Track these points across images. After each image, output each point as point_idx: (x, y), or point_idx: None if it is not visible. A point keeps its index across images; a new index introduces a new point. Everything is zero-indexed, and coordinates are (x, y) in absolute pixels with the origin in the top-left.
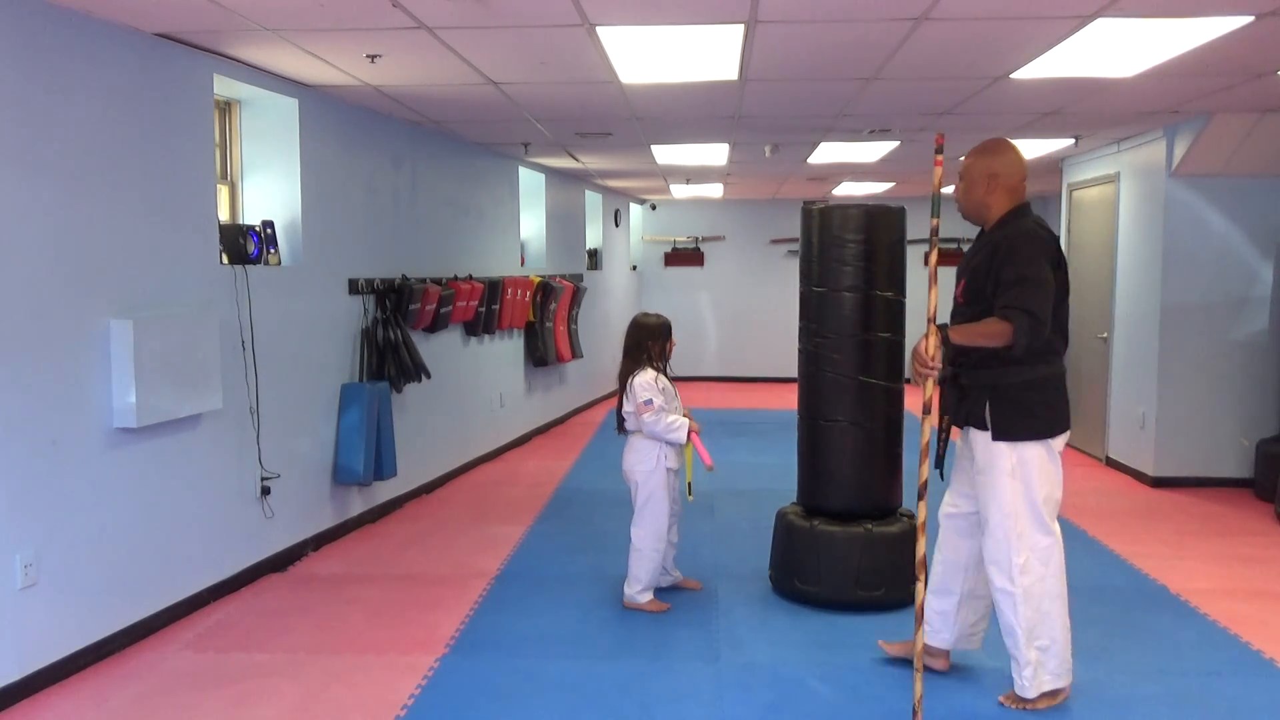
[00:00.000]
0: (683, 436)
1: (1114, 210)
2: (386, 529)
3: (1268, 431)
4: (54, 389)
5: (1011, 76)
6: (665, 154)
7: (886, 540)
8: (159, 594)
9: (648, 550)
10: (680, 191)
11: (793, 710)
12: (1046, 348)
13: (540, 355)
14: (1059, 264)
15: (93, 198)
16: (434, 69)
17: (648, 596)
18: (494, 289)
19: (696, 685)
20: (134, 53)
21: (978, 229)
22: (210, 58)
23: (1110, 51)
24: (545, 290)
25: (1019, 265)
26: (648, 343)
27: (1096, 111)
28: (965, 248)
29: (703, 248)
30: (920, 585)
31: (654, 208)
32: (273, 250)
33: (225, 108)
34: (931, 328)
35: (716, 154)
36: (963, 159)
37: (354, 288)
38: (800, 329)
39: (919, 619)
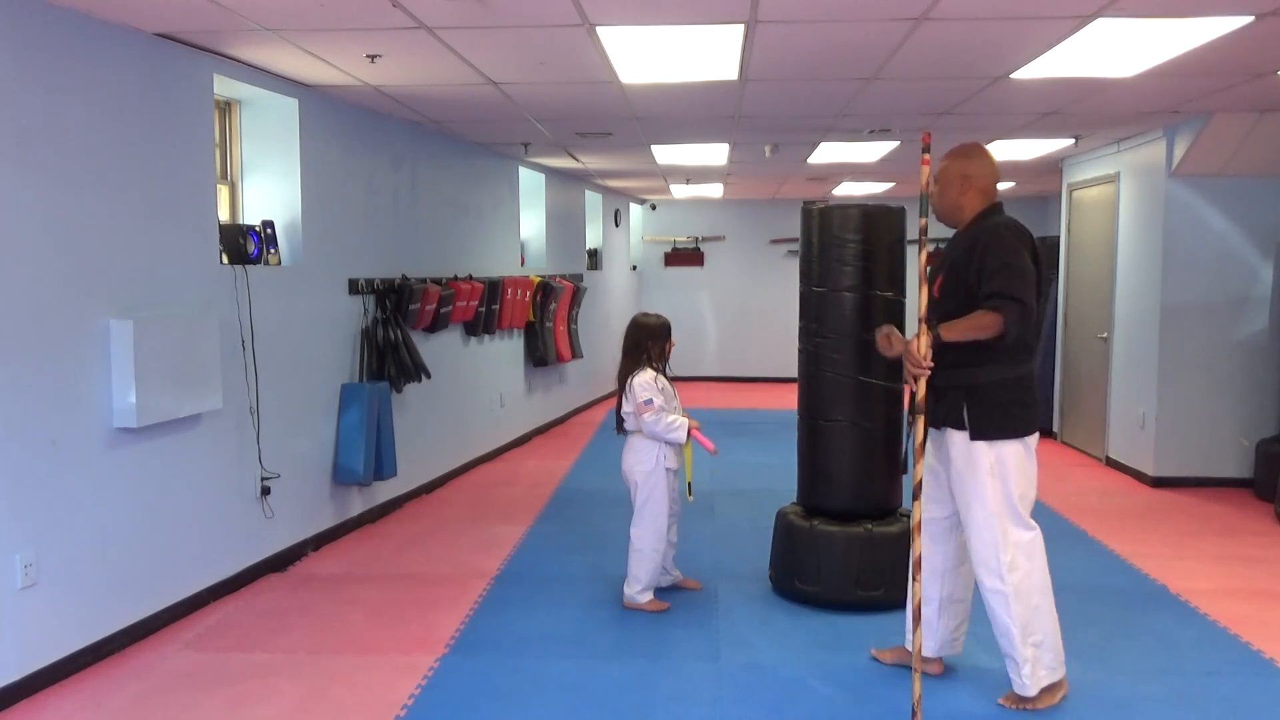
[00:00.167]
0: (682, 436)
1: (1114, 210)
2: (386, 529)
3: (1268, 431)
4: (54, 389)
5: (1011, 76)
6: (665, 154)
7: (886, 540)
8: (159, 594)
9: (647, 550)
10: (680, 191)
11: (793, 710)
12: (1022, 345)
13: (540, 355)
14: (1036, 259)
15: (93, 198)
16: (434, 69)
17: (648, 596)
18: (494, 289)
19: (696, 685)
20: (134, 53)
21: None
22: (210, 58)
23: (1110, 51)
24: (545, 290)
25: (1001, 254)
26: (647, 343)
27: (1096, 111)
28: None
29: (703, 248)
30: (916, 585)
31: (654, 208)
32: (273, 250)
33: (225, 108)
34: (923, 327)
35: (716, 154)
36: (938, 163)
37: (354, 288)
38: (800, 329)
39: (916, 618)
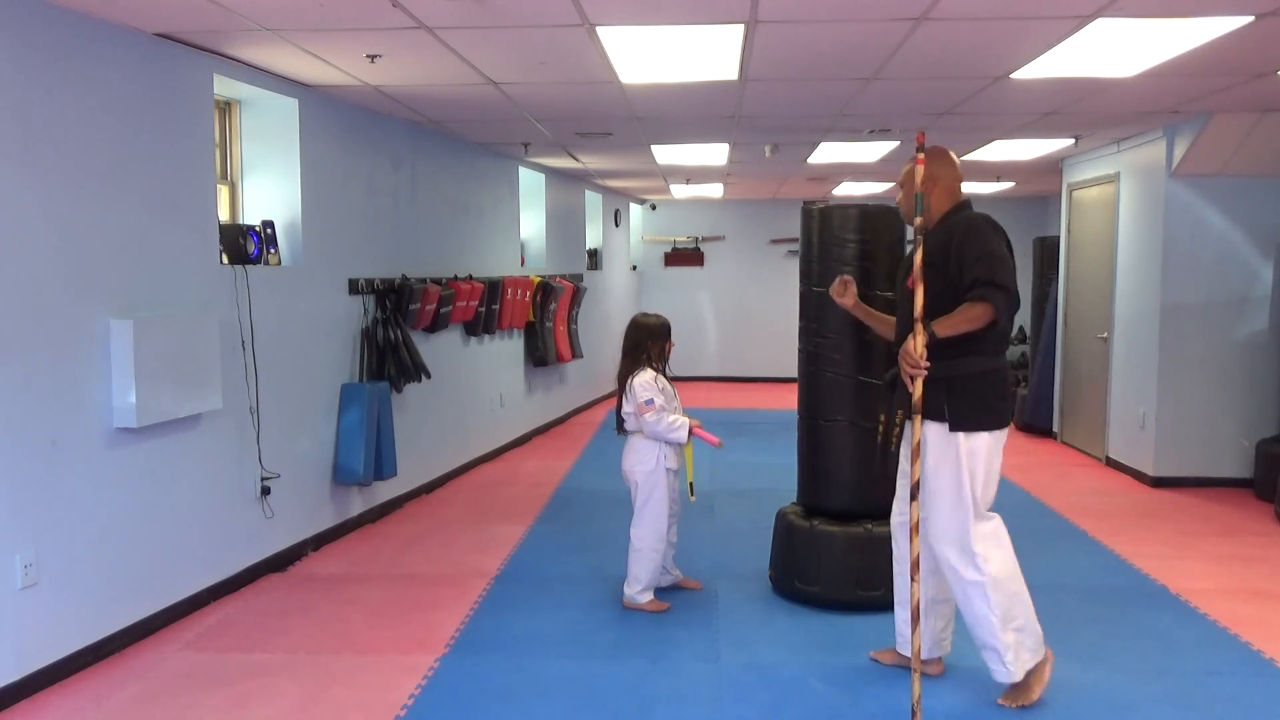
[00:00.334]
0: (683, 436)
1: (1114, 210)
2: (386, 529)
3: (1268, 431)
4: (54, 389)
5: (1011, 76)
6: (665, 154)
7: (886, 540)
8: (159, 594)
9: (647, 550)
10: (680, 191)
11: (793, 710)
12: (1000, 336)
13: (540, 355)
14: (1009, 251)
15: (93, 198)
16: (434, 69)
17: (648, 596)
18: (494, 289)
19: (696, 685)
20: (134, 53)
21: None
22: (210, 58)
23: (1110, 51)
24: (545, 290)
25: (980, 243)
26: (647, 343)
27: (1096, 111)
28: None
29: (703, 248)
30: (916, 585)
31: (654, 208)
32: (273, 250)
33: (225, 108)
34: (918, 326)
35: (716, 154)
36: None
37: (354, 288)
38: (800, 329)
39: (915, 619)
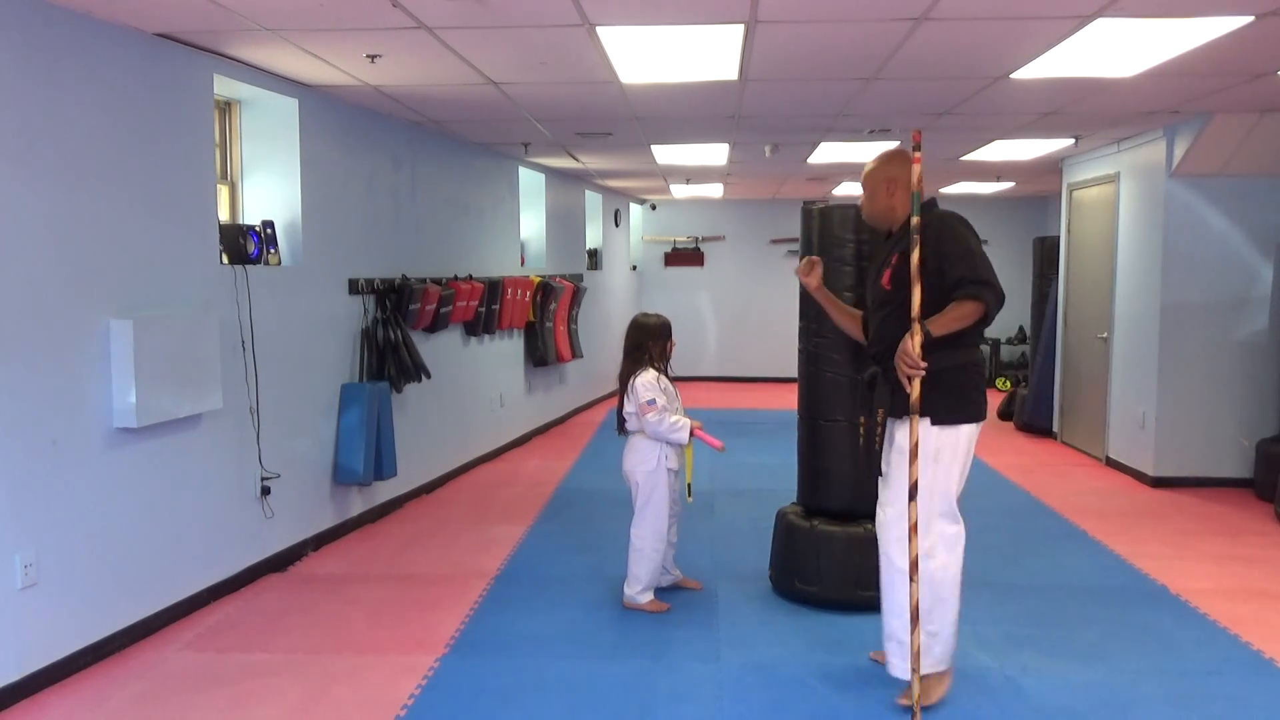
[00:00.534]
0: (684, 437)
1: (1114, 210)
2: (386, 529)
3: (1268, 431)
4: (54, 389)
5: (1011, 76)
6: (665, 154)
7: None
8: (159, 594)
9: (648, 550)
10: (680, 191)
11: (793, 710)
12: (977, 330)
13: (540, 355)
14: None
15: (93, 198)
16: (434, 69)
17: (648, 597)
18: (494, 289)
19: (696, 685)
20: (134, 53)
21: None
22: (210, 58)
23: (1110, 51)
24: (545, 290)
25: (959, 242)
26: (648, 343)
27: (1096, 111)
28: None
29: (703, 248)
30: (914, 585)
31: (654, 208)
32: (273, 250)
33: (225, 108)
34: (916, 326)
35: (716, 154)
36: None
37: (354, 288)
38: (800, 329)
39: (914, 619)
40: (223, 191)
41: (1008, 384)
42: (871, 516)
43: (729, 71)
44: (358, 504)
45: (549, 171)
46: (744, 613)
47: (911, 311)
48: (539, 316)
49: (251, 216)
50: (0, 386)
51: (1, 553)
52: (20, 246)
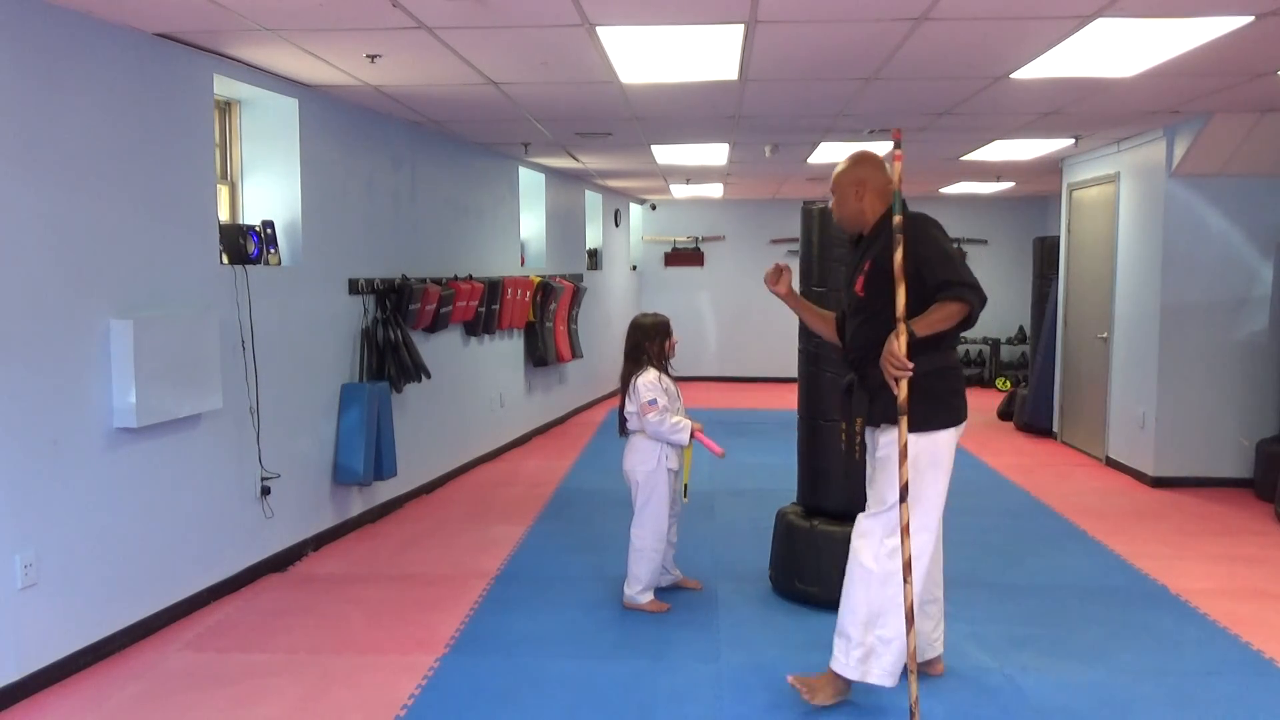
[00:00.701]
0: (685, 438)
1: (1114, 210)
2: (386, 529)
3: (1268, 431)
4: (54, 389)
5: (1011, 76)
6: (665, 154)
7: None
8: (159, 594)
9: (648, 550)
10: (680, 191)
11: (793, 710)
12: (952, 333)
13: (540, 355)
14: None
15: (93, 198)
16: (434, 69)
17: (648, 597)
18: (494, 289)
19: (696, 685)
20: (134, 53)
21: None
22: (210, 58)
23: (1110, 51)
24: (545, 290)
25: (936, 245)
26: (644, 343)
27: (1096, 111)
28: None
29: (703, 248)
30: (909, 587)
31: (654, 208)
32: (273, 250)
33: (225, 108)
34: (901, 326)
35: (716, 154)
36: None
37: (354, 288)
38: (800, 329)
39: (909, 620)
40: (223, 191)
41: (1008, 384)
42: None
43: (729, 71)
44: (358, 504)
45: (549, 171)
46: (744, 613)
47: (895, 313)
48: (539, 316)
49: (251, 216)
50: (0, 386)
51: (1, 553)
52: (20, 246)
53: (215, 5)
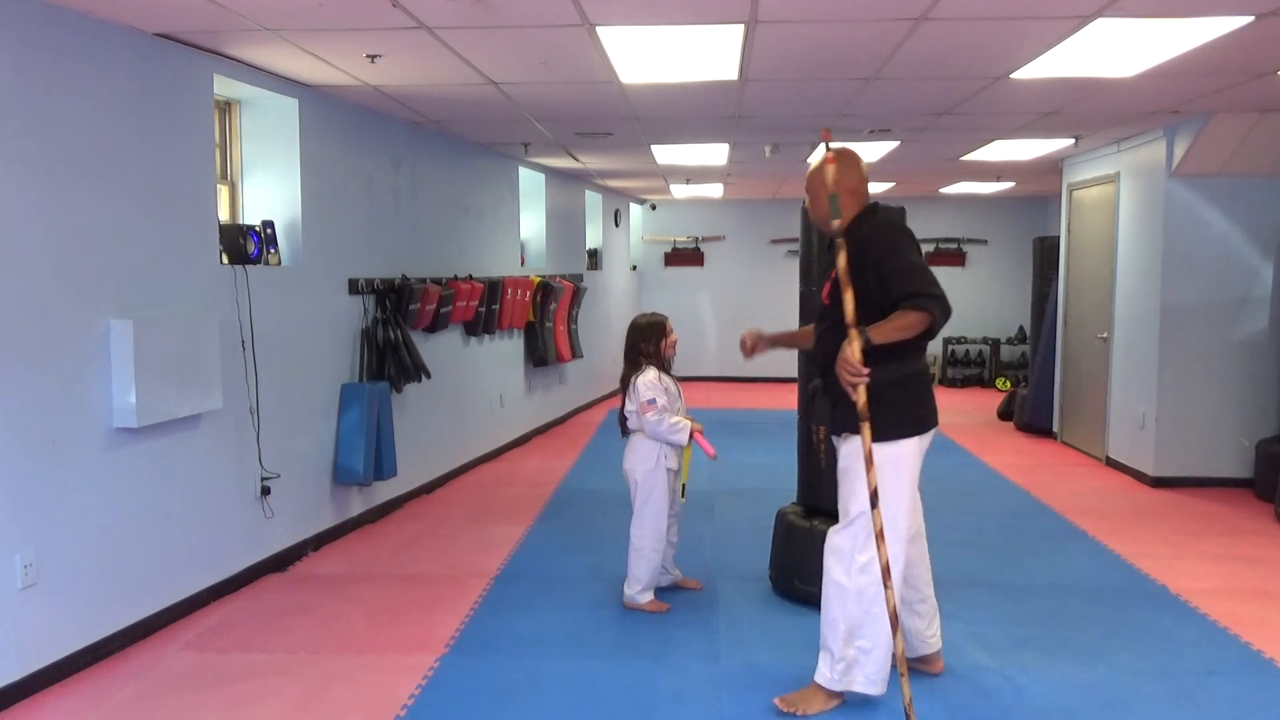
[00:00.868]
0: (684, 439)
1: (1114, 210)
2: (386, 529)
3: (1268, 431)
4: (54, 389)
5: (1011, 76)
6: (665, 154)
7: None
8: (158, 594)
9: (647, 550)
10: (680, 191)
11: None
12: (916, 341)
13: (540, 355)
14: (919, 252)
15: (93, 198)
16: (434, 69)
17: (648, 596)
18: (494, 289)
19: (696, 685)
20: (134, 53)
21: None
22: (210, 58)
23: (1110, 51)
24: (545, 290)
25: (901, 254)
26: (640, 344)
27: (1096, 111)
28: (965, 247)
29: (703, 248)
30: (889, 591)
31: (654, 208)
32: (273, 250)
33: (225, 108)
34: (853, 333)
35: (716, 154)
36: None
37: (354, 288)
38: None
39: (893, 622)
40: (223, 191)
41: (1008, 384)
42: None
43: (729, 71)
44: (358, 504)
45: (549, 171)
46: (744, 613)
47: (847, 319)
48: (539, 316)
49: (251, 216)
50: (0, 386)
51: (1, 553)
52: (20, 246)
53: (215, 5)
